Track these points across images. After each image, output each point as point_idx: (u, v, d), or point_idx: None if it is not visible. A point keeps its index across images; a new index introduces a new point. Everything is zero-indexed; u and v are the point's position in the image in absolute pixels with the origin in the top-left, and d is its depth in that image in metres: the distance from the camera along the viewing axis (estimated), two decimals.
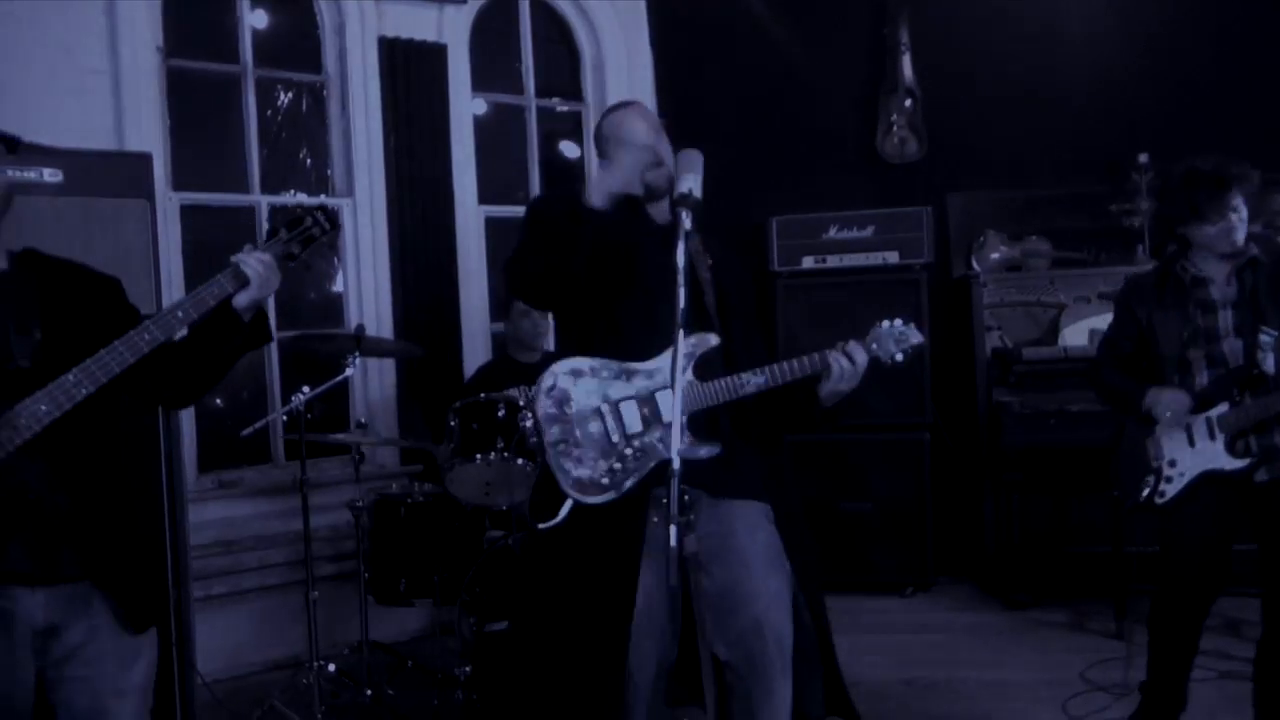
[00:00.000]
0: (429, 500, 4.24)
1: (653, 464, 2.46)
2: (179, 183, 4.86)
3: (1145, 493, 3.30)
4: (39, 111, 4.23)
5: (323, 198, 5.30)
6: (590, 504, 2.45)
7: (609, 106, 2.87)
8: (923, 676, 4.24)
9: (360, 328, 4.36)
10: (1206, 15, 5.51)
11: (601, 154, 2.74)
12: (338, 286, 5.38)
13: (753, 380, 2.47)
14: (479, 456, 4.00)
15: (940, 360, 5.43)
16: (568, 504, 2.46)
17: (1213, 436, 3.19)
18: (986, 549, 5.34)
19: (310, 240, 2.36)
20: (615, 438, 2.47)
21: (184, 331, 2.27)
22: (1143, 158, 5.27)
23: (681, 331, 2.08)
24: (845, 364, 2.48)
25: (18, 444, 2.08)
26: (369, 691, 4.07)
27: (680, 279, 2.10)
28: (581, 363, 2.52)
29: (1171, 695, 3.40)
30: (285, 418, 4.42)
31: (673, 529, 1.92)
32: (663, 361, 2.47)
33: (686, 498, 1.97)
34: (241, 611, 4.72)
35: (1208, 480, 3.20)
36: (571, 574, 2.54)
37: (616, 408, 2.48)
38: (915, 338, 2.57)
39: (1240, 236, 3.16)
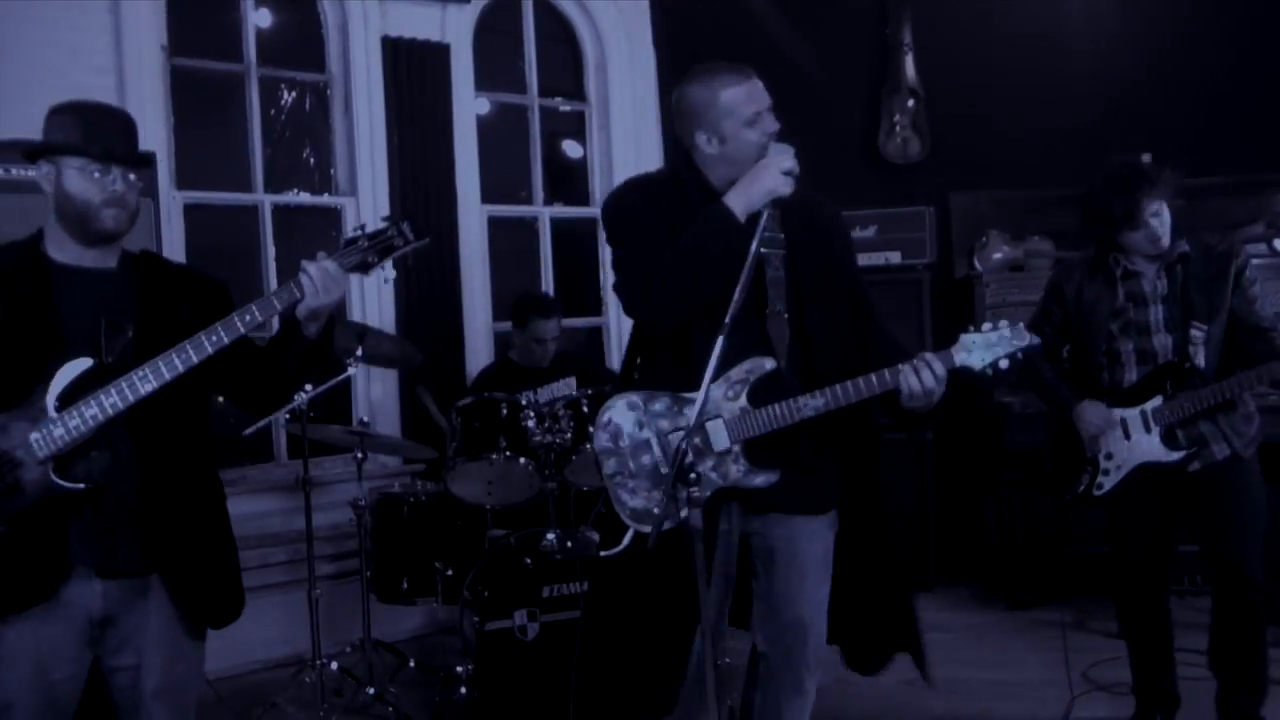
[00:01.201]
0: (431, 499, 4.25)
1: (707, 493, 2.42)
2: (183, 181, 4.86)
3: (1082, 486, 3.36)
4: (44, 109, 4.22)
5: (326, 196, 5.32)
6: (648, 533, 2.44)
7: (727, 75, 2.58)
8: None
9: (362, 326, 4.36)
10: (1211, 15, 5.51)
11: (704, 127, 2.54)
12: None
13: (810, 404, 2.41)
14: (481, 456, 4.01)
15: None
16: (630, 533, 2.49)
17: (1148, 429, 3.26)
18: (989, 549, 5.34)
19: (389, 250, 2.34)
20: (665, 469, 2.45)
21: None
22: (1145, 158, 5.24)
23: (718, 345, 2.17)
24: (915, 385, 2.36)
25: (84, 433, 2.15)
26: (371, 689, 4.08)
27: (737, 297, 2.20)
28: (635, 397, 2.51)
29: (1161, 693, 3.43)
30: (287, 416, 4.43)
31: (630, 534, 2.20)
32: (714, 390, 2.40)
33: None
34: (244, 609, 4.71)
35: (1145, 473, 3.27)
36: (639, 585, 2.56)
37: (666, 439, 2.47)
38: (1023, 339, 2.39)
39: (1164, 240, 3.21)
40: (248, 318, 2.23)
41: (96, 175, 2.25)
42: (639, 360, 2.66)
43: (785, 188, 2.41)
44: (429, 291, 5.31)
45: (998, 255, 5.58)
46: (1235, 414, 3.24)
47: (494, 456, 3.99)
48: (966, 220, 5.77)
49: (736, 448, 2.44)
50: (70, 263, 2.30)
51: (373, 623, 4.24)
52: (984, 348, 2.38)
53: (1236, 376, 3.17)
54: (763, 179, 2.42)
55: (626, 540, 2.49)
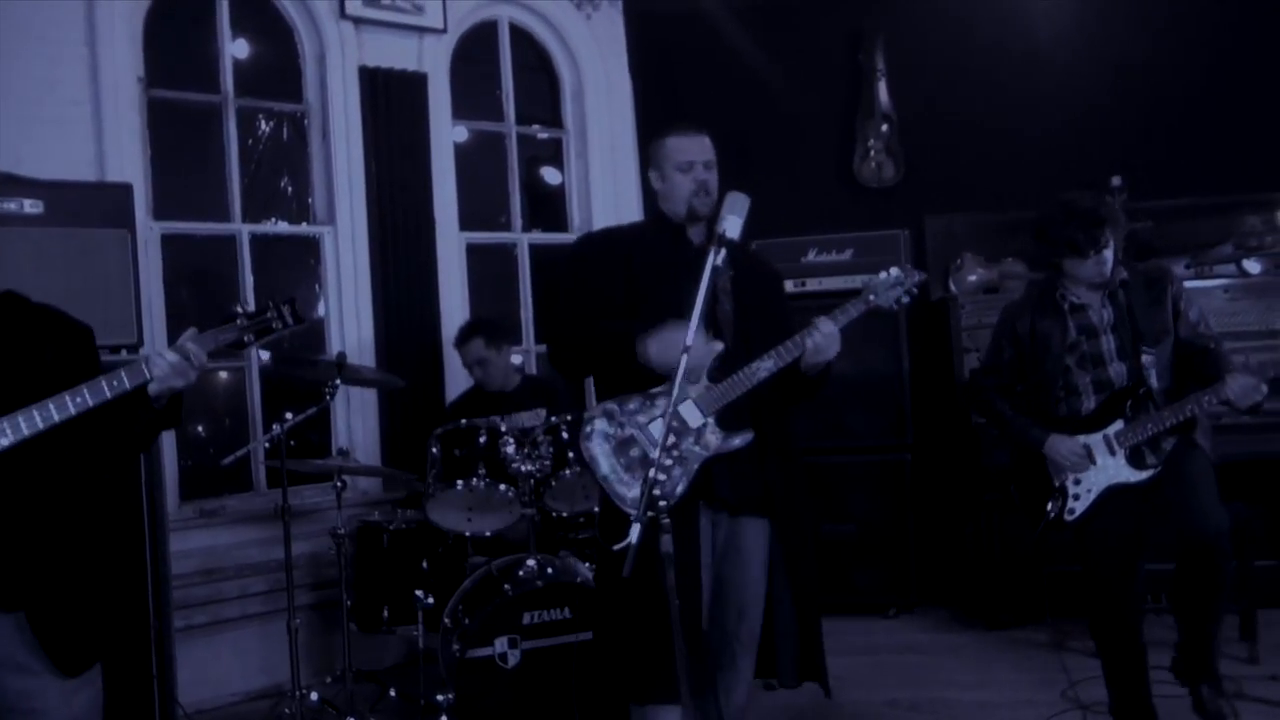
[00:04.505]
0: (411, 527, 4.25)
1: (696, 466, 2.81)
2: (160, 212, 4.86)
3: (1053, 513, 3.47)
4: (20, 142, 4.24)
5: (304, 225, 5.33)
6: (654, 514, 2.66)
7: (675, 129, 3.09)
8: (906, 697, 4.25)
9: (341, 355, 4.37)
10: (1178, 40, 5.59)
11: (654, 166, 3.09)
12: (319, 314, 5.39)
13: (763, 365, 2.81)
14: (460, 483, 4.01)
15: (920, 382, 5.47)
16: (635, 526, 2.61)
17: (1113, 452, 3.40)
18: (968, 569, 5.36)
19: (266, 331, 2.42)
20: (653, 454, 2.67)
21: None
22: (1116, 180, 5.33)
23: (685, 355, 2.44)
24: (818, 338, 2.80)
25: None
26: None
27: (698, 310, 2.44)
28: (611, 404, 2.87)
29: (1138, 710, 3.47)
30: (267, 445, 4.42)
31: (635, 526, 2.31)
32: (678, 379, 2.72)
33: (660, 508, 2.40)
34: (223, 641, 4.69)
35: (1114, 493, 3.39)
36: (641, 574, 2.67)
37: (646, 429, 2.83)
38: (914, 277, 2.90)
39: (1108, 269, 3.40)
40: (115, 382, 2.25)
41: None
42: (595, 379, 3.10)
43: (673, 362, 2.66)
44: (408, 319, 5.31)
45: (972, 277, 5.63)
46: (1195, 430, 3.40)
47: (473, 483, 3.99)
48: (941, 243, 5.83)
49: (710, 419, 2.83)
50: None
51: (353, 652, 4.22)
52: (887, 288, 2.88)
53: (1193, 396, 3.30)
54: (666, 357, 2.75)
55: (633, 533, 2.60)
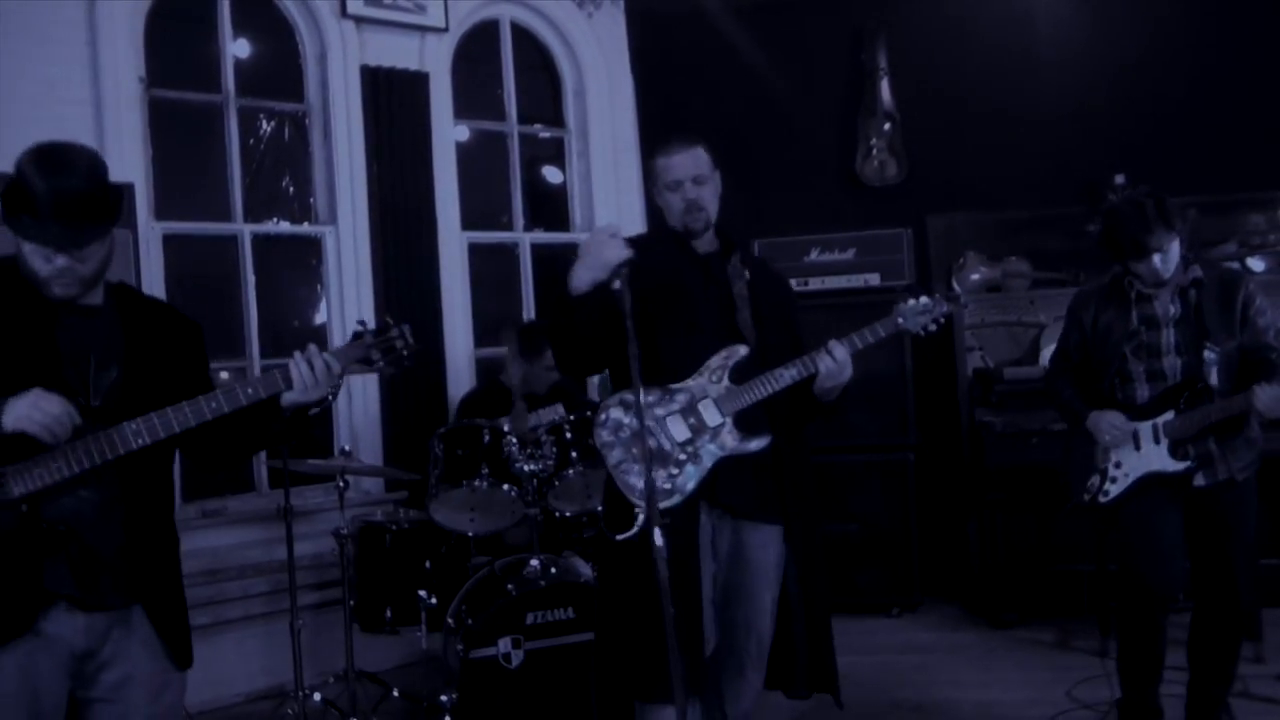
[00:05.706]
0: (414, 527, 4.24)
1: (709, 464, 2.79)
2: (161, 212, 4.85)
3: (1090, 493, 3.47)
4: (20, 142, 4.16)
5: (305, 225, 5.32)
6: (661, 509, 2.62)
7: (664, 149, 3.05)
8: (910, 697, 4.24)
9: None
10: (1180, 38, 5.60)
11: (651, 183, 3.10)
12: (320, 315, 5.38)
13: (786, 374, 2.82)
14: (463, 483, 4.00)
15: (923, 381, 5.46)
16: (640, 516, 2.67)
17: (1157, 441, 3.37)
18: (972, 568, 5.36)
19: (391, 351, 2.50)
20: (668, 446, 2.78)
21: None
22: (1119, 178, 5.33)
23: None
24: (829, 362, 2.83)
25: (71, 475, 2.18)
26: None
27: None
28: (628, 395, 2.81)
29: (1147, 707, 3.48)
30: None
31: (640, 515, 2.33)
32: (698, 379, 2.84)
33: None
34: (226, 641, 4.69)
35: (1150, 482, 3.37)
36: (644, 571, 2.66)
37: (663, 422, 2.81)
38: (942, 308, 2.94)
39: (1164, 273, 3.33)
40: (250, 391, 2.29)
41: (44, 255, 2.22)
42: (609, 371, 3.04)
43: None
44: (410, 319, 5.09)
45: (975, 276, 5.63)
46: (1237, 438, 3.34)
47: (476, 483, 3.98)
48: (944, 242, 5.83)
49: (729, 420, 2.82)
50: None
51: (356, 653, 4.21)
52: (915, 315, 2.93)
53: (1243, 393, 3.25)
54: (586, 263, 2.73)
55: (640, 522, 2.65)
